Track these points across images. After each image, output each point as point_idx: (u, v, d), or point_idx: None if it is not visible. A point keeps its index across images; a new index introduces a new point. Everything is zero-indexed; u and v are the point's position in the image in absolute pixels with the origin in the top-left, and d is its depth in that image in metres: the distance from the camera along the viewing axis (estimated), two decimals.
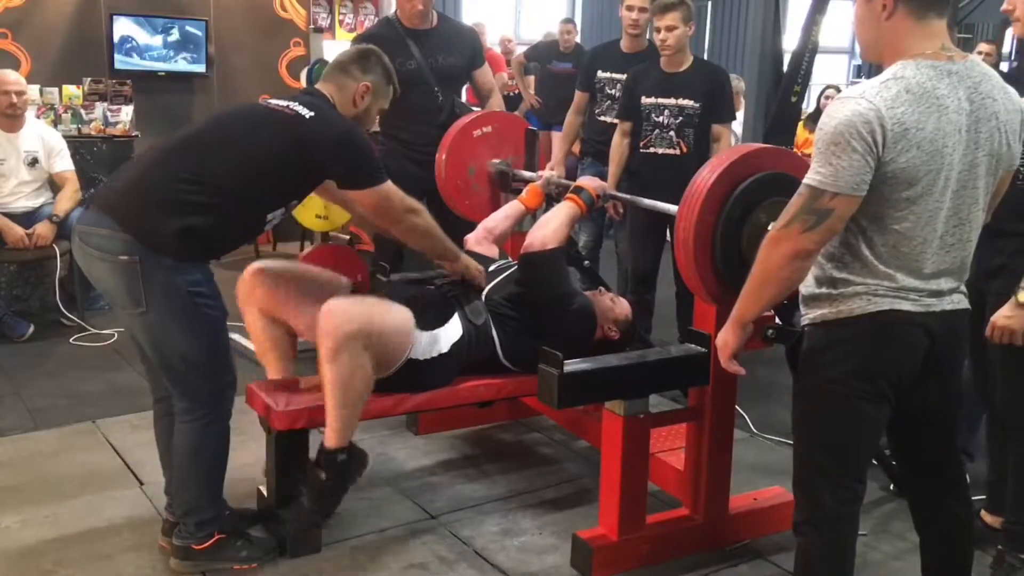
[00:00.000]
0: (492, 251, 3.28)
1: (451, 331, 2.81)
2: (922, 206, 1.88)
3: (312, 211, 4.48)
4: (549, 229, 2.96)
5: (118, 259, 2.37)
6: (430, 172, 3.77)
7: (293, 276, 2.89)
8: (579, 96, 4.76)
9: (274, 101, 2.58)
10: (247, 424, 3.46)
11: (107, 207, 2.42)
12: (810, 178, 1.87)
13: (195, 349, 2.46)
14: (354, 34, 7.06)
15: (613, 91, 4.54)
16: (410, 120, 4.04)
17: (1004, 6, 2.59)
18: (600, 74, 4.60)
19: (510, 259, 3.18)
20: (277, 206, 2.57)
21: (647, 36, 4.59)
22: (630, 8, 4.44)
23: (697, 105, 4.04)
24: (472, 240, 3.32)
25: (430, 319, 2.79)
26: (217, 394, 2.53)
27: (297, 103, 2.52)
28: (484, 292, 2.96)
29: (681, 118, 4.05)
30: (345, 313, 2.50)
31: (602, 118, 4.60)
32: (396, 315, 2.65)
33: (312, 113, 2.48)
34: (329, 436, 2.58)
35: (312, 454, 2.67)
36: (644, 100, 4.12)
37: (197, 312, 2.44)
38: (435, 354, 2.75)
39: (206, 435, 2.54)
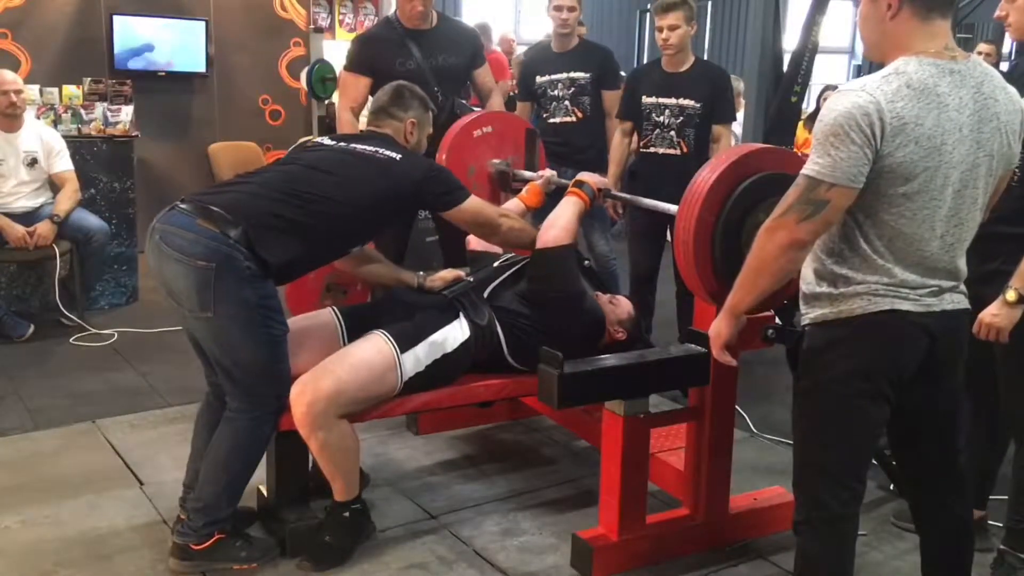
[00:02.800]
0: (495, 249, 3.28)
1: (457, 331, 2.79)
2: (918, 203, 1.88)
3: None
4: (559, 226, 2.96)
5: (196, 263, 2.42)
6: None
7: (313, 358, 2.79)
8: (521, 107, 4.82)
9: (359, 146, 2.75)
10: None
11: (199, 213, 2.47)
12: (808, 168, 1.87)
13: (256, 358, 2.51)
14: (354, 34, 7.06)
15: (555, 92, 4.58)
16: None
17: (997, 12, 2.60)
18: (539, 79, 4.64)
19: (515, 255, 3.18)
20: (367, 240, 2.93)
21: (576, 34, 4.65)
22: (559, 8, 4.48)
23: (698, 105, 4.04)
24: (474, 239, 3.32)
25: (431, 322, 2.78)
26: (272, 399, 2.56)
27: (382, 147, 2.74)
28: (488, 290, 2.95)
29: (682, 118, 4.06)
30: (314, 393, 2.52)
31: (551, 120, 4.62)
32: (367, 365, 2.60)
33: (400, 155, 2.73)
34: (335, 492, 2.69)
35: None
36: (645, 100, 4.13)
37: (263, 324, 2.49)
38: (439, 356, 2.74)
39: (251, 435, 2.57)
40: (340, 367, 2.58)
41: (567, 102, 4.56)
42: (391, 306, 2.93)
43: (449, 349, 2.76)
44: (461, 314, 2.83)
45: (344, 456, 2.63)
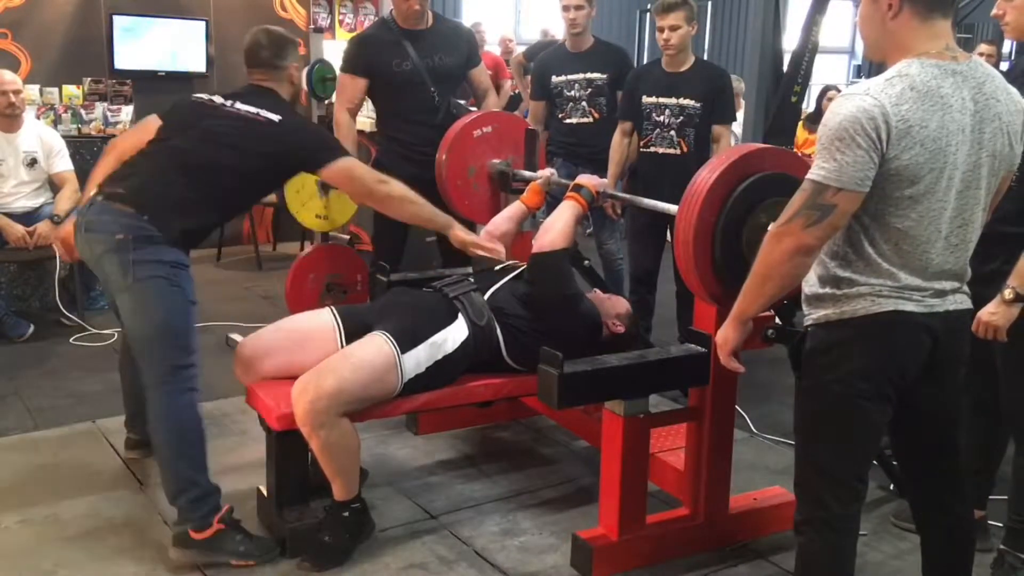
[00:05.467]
0: (498, 252, 3.29)
1: (457, 332, 2.80)
2: (925, 205, 1.88)
3: (312, 211, 4.48)
4: (556, 231, 2.98)
5: (115, 237, 2.60)
6: (428, 172, 3.77)
7: (282, 337, 2.87)
8: (536, 106, 4.79)
9: (243, 108, 2.82)
10: (247, 424, 3.48)
11: (113, 199, 2.65)
12: (814, 173, 1.87)
13: (172, 322, 2.65)
14: (354, 34, 7.07)
15: (572, 92, 4.57)
16: (407, 121, 4.04)
17: (994, 11, 2.60)
18: (554, 79, 4.62)
19: (518, 261, 3.19)
20: (258, 200, 3.15)
21: (590, 33, 4.62)
22: (566, 8, 4.48)
23: (698, 105, 4.04)
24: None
25: (432, 323, 2.78)
26: (184, 368, 2.66)
27: (264, 107, 2.81)
28: (488, 292, 2.96)
29: (682, 118, 4.06)
30: (316, 391, 2.54)
31: (568, 121, 4.62)
32: (373, 362, 2.63)
33: (280, 117, 2.80)
34: (335, 491, 2.70)
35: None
36: (645, 99, 4.13)
37: (178, 284, 2.65)
38: (440, 357, 2.74)
39: (176, 404, 2.64)
40: (342, 366, 2.59)
41: (584, 103, 4.55)
42: (391, 307, 2.92)
43: (449, 350, 2.77)
44: (460, 315, 2.84)
45: (345, 455, 2.63)
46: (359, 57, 4.01)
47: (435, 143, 3.78)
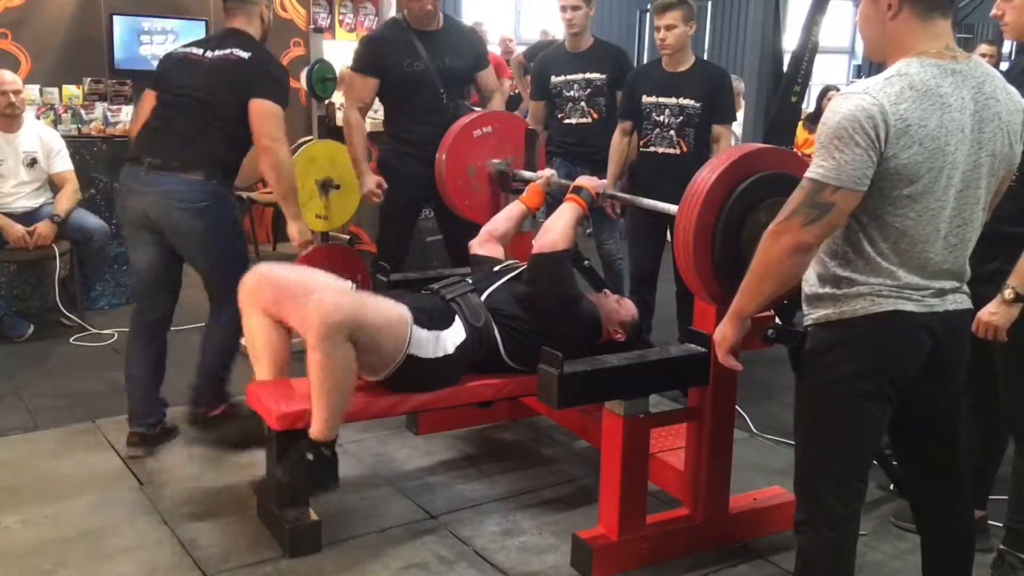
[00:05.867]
0: (497, 252, 3.29)
1: (455, 334, 2.81)
2: (923, 204, 1.88)
3: (312, 211, 4.48)
4: (557, 231, 2.98)
5: (199, 204, 3.18)
6: (432, 171, 3.79)
7: (297, 277, 2.91)
8: (535, 106, 4.78)
9: (220, 52, 3.24)
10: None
11: (177, 168, 3.17)
12: (812, 171, 1.87)
13: (236, 258, 3.31)
14: (354, 34, 7.06)
15: (571, 92, 4.57)
16: (415, 120, 4.02)
17: (993, 11, 2.60)
18: (553, 79, 4.62)
19: (515, 260, 3.19)
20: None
21: (590, 33, 4.62)
22: (563, 8, 4.49)
23: (698, 105, 4.04)
24: (476, 243, 3.33)
25: (433, 322, 2.79)
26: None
27: (236, 47, 3.23)
28: (486, 293, 2.96)
29: (682, 118, 4.06)
30: (334, 304, 2.57)
31: (567, 121, 4.62)
32: (390, 310, 2.70)
33: (249, 54, 3.22)
34: (312, 426, 2.65)
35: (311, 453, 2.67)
36: (645, 99, 4.13)
37: (240, 230, 3.46)
38: (440, 354, 2.76)
39: (237, 321, 3.04)
40: (365, 298, 2.72)
41: (583, 103, 4.56)
42: (403, 293, 2.99)
43: (449, 351, 2.78)
44: (457, 317, 2.85)
45: (336, 384, 2.59)
46: (371, 56, 4.00)
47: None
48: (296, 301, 2.77)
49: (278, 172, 3.23)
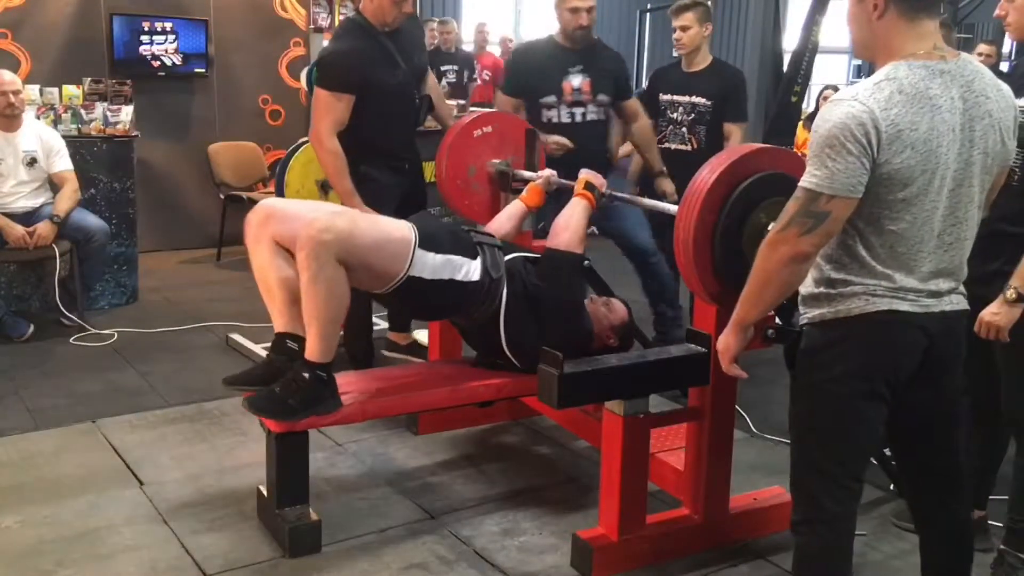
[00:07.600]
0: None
1: (471, 269, 2.80)
2: (918, 206, 1.88)
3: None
4: (572, 231, 2.97)
5: None
6: (408, 178, 3.85)
7: (305, 205, 2.93)
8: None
9: None
10: (247, 424, 3.48)
11: None
12: (806, 181, 1.87)
13: None
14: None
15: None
16: (391, 127, 3.79)
17: (997, 11, 2.60)
18: (662, 97, 4.51)
19: (531, 250, 3.18)
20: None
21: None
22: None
23: (709, 103, 4.18)
24: (490, 229, 3.32)
25: (444, 247, 2.78)
26: None
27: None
28: (508, 257, 2.95)
29: (693, 115, 4.20)
30: (326, 224, 2.56)
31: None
32: (390, 231, 2.70)
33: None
34: (308, 346, 2.64)
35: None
36: (662, 97, 4.29)
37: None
38: (444, 277, 2.75)
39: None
40: (361, 217, 2.73)
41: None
42: (424, 216, 3.05)
43: (459, 278, 2.77)
44: (479, 258, 2.85)
45: (328, 302, 2.57)
46: (351, 73, 3.64)
47: (414, 146, 3.86)
48: (304, 222, 2.69)
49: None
